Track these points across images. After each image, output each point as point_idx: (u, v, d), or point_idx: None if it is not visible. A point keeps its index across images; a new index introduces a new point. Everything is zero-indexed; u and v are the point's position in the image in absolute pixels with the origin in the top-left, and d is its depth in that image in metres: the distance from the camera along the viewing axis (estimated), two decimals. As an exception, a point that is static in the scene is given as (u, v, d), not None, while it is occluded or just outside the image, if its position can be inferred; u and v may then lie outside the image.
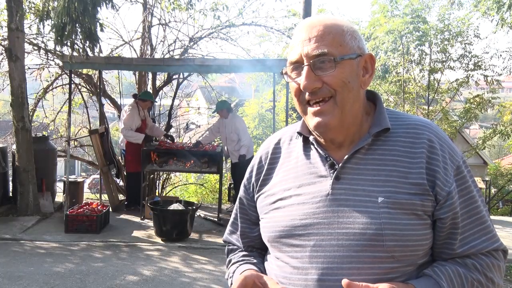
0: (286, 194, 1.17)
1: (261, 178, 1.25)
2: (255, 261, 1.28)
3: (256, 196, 1.26)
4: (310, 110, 1.11)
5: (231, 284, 1.25)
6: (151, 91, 8.73)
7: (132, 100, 7.43)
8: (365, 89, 1.15)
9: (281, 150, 1.26)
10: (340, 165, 1.12)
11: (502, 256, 1.14)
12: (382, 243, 1.04)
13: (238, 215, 1.34)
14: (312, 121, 1.11)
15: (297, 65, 1.11)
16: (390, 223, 1.04)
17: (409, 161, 1.10)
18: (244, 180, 1.31)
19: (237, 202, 1.36)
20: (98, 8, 5.92)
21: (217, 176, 9.64)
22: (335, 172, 1.12)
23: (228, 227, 1.40)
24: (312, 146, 1.19)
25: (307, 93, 1.10)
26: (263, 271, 1.23)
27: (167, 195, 10.07)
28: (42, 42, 7.96)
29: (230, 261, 1.34)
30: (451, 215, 1.08)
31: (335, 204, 1.09)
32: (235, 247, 1.37)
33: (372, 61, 1.15)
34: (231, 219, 1.38)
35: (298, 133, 1.22)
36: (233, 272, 1.28)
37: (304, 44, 1.10)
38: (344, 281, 1.00)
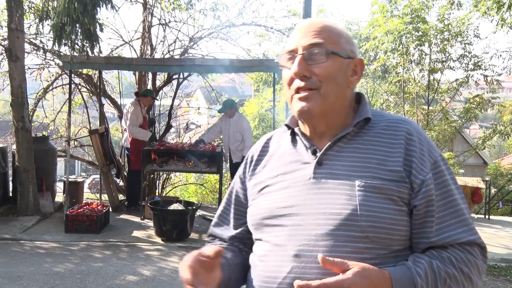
0: (273, 181, 1.23)
1: (251, 169, 1.32)
2: (222, 245, 1.31)
3: (247, 186, 1.32)
4: (297, 96, 1.18)
5: None
6: (151, 90, 8.73)
7: (132, 99, 7.43)
8: (351, 89, 1.23)
9: (271, 143, 1.33)
10: (322, 151, 1.19)
11: (479, 253, 1.14)
12: (357, 223, 1.08)
13: (232, 206, 1.36)
14: (296, 105, 1.18)
15: (292, 54, 1.19)
16: (365, 205, 1.09)
17: (388, 150, 1.16)
18: (240, 174, 1.36)
19: (229, 195, 1.37)
20: (98, 9, 5.92)
21: (217, 176, 9.64)
22: (317, 158, 1.19)
23: (215, 220, 1.40)
24: (297, 137, 1.26)
25: (298, 81, 1.17)
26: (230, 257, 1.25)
27: (167, 195, 10.07)
28: (41, 42, 7.96)
29: None
30: (425, 202, 1.12)
31: (316, 187, 1.16)
32: (215, 241, 1.38)
33: (362, 66, 1.23)
34: (220, 211, 1.40)
35: (286, 125, 1.29)
36: None
37: (302, 36, 1.19)
38: (319, 256, 1.04)
